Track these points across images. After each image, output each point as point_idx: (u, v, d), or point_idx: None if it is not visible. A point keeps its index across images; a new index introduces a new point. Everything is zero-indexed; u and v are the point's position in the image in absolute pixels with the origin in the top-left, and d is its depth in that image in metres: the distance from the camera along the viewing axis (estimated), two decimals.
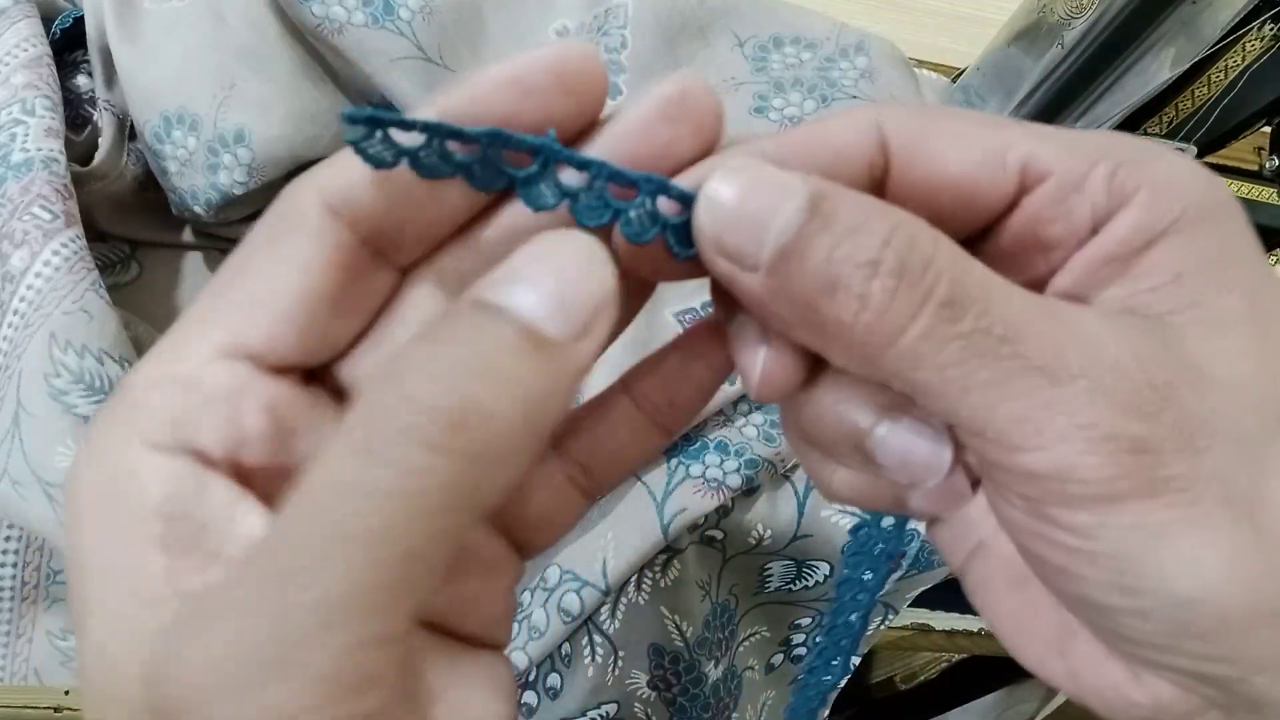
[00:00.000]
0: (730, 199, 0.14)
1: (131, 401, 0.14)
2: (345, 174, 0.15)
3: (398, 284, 0.16)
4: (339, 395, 0.16)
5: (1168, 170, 0.15)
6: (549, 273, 0.13)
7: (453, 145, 0.15)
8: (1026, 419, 0.14)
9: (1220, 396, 0.14)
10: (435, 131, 0.14)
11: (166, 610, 0.13)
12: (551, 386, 0.13)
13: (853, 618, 0.23)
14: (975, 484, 0.17)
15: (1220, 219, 0.16)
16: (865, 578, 0.22)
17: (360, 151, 0.14)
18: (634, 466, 0.19)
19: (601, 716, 0.37)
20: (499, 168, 0.15)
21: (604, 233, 0.15)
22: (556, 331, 0.13)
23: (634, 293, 0.18)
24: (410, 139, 0.14)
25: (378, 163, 0.14)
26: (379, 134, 0.14)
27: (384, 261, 0.16)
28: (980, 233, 0.16)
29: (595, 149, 0.16)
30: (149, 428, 0.14)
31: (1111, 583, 0.14)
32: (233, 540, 0.14)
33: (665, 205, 0.15)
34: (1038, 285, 0.16)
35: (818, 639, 0.23)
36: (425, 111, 0.15)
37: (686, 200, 0.15)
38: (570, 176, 0.15)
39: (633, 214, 0.15)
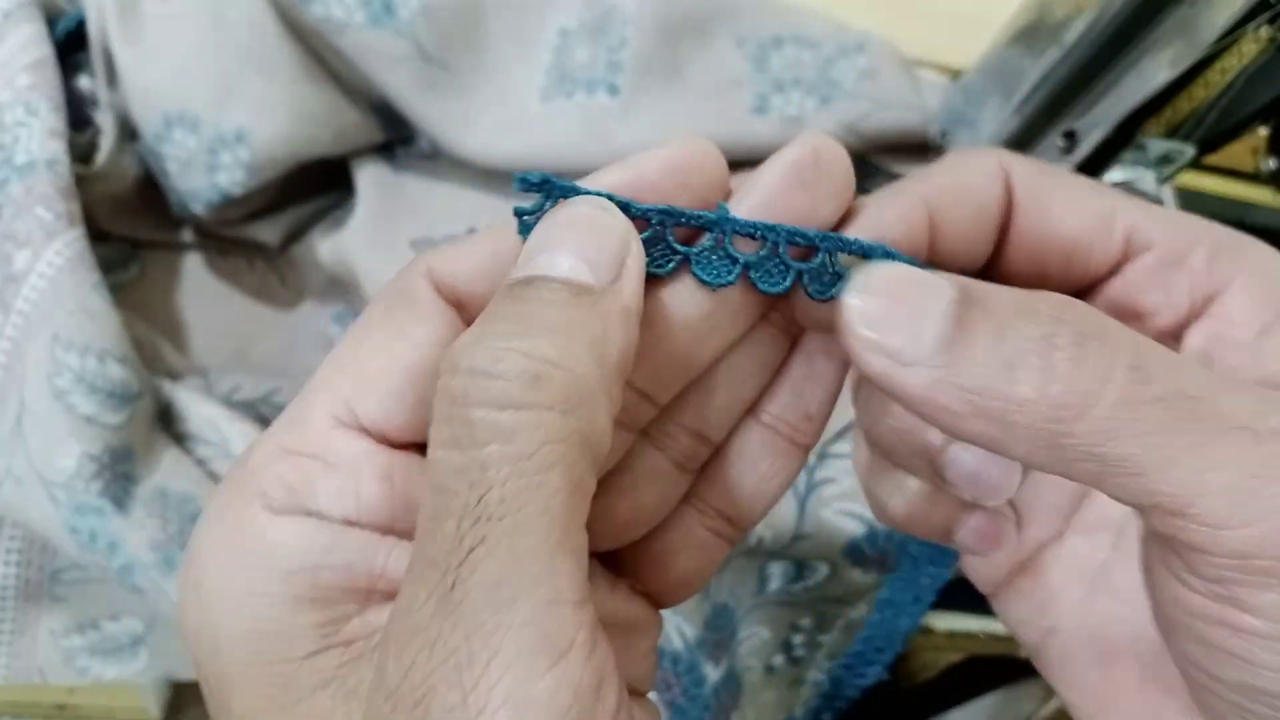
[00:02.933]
0: (879, 304, 0.15)
1: (253, 468, 0.15)
2: (458, 260, 0.16)
3: None
4: None
5: (1262, 260, 0.16)
6: (569, 237, 0.14)
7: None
8: (1239, 488, 0.13)
9: None
10: (613, 202, 0.15)
11: (328, 663, 0.13)
12: (606, 327, 0.14)
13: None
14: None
15: None
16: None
17: (520, 218, 0.15)
18: (779, 495, 0.18)
19: None
20: (670, 246, 0.15)
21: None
22: (594, 278, 0.14)
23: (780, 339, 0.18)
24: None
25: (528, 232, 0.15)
26: (546, 203, 0.15)
27: None
28: (1079, 294, 0.16)
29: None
30: (271, 495, 0.14)
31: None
32: (385, 579, 0.15)
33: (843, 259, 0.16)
34: None
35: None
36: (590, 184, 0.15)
37: (869, 252, 0.16)
38: (744, 245, 0.16)
39: (811, 271, 0.16)
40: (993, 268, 0.18)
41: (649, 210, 0.15)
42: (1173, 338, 0.17)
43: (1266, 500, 0.12)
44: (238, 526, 0.14)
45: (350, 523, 0.15)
